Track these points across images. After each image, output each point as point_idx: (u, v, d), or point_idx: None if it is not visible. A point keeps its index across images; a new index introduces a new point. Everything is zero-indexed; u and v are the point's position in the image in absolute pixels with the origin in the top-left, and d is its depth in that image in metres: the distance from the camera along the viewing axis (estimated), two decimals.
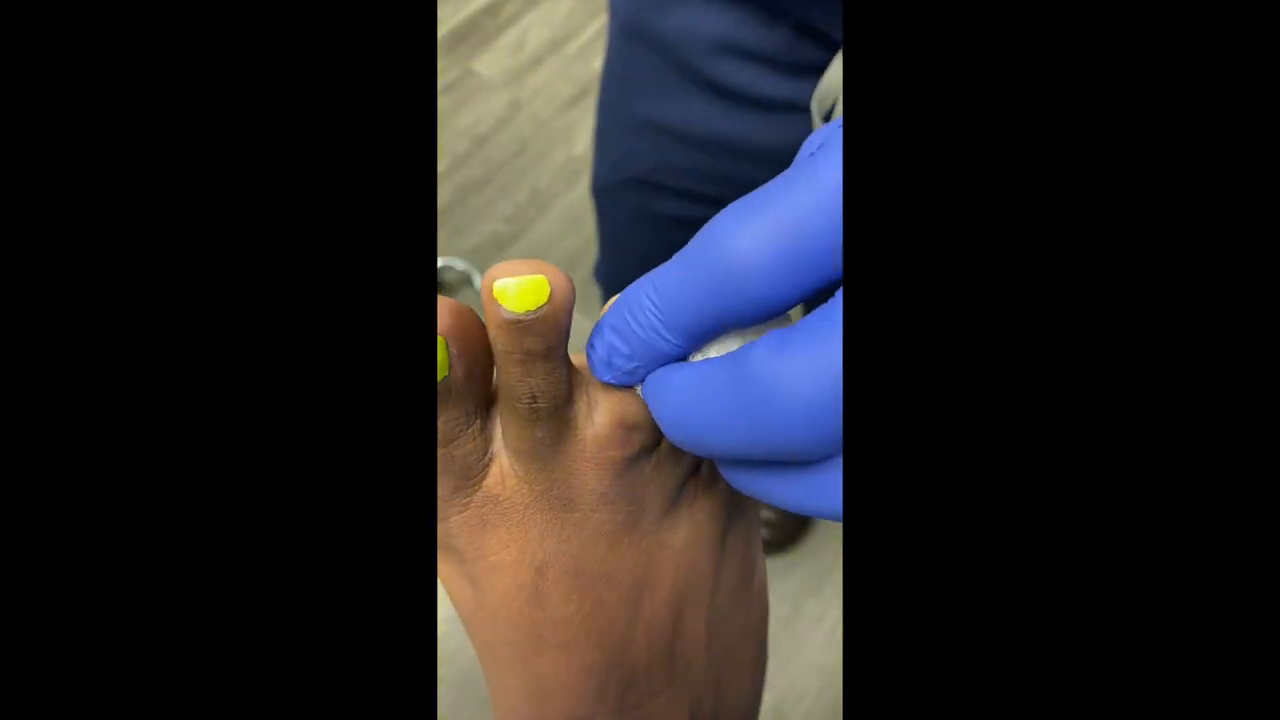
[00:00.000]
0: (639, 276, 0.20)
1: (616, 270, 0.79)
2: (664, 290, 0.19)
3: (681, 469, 0.23)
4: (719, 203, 0.64)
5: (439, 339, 0.20)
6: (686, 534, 0.24)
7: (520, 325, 0.20)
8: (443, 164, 1.51)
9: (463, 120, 1.47)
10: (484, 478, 0.22)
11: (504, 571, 0.23)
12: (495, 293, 0.19)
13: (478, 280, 1.34)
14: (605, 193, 0.66)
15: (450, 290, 1.36)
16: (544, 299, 0.19)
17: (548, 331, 0.20)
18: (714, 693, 0.26)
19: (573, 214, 1.44)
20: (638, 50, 0.56)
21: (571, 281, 0.20)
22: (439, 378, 0.20)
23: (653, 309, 0.19)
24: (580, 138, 1.50)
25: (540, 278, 0.19)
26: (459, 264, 1.36)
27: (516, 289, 0.19)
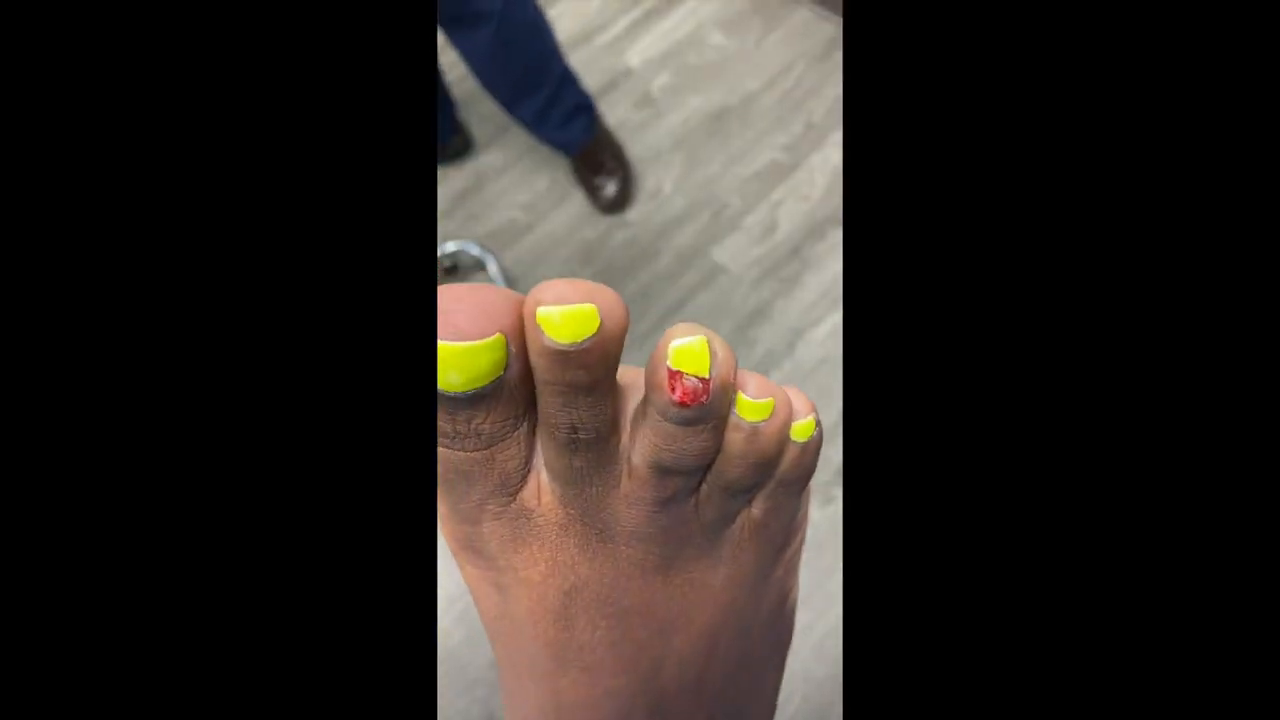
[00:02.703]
0: None
1: None
2: None
3: (729, 509, 0.22)
4: None
5: (498, 336, 0.18)
6: (727, 574, 0.23)
7: (565, 356, 0.18)
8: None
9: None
10: (521, 489, 0.21)
11: (532, 588, 0.21)
12: (539, 319, 0.17)
13: (491, 265, 1.34)
14: None
15: (463, 274, 1.36)
16: (593, 329, 0.17)
17: (594, 365, 0.18)
18: (737, 716, 0.26)
19: (591, 206, 1.44)
20: None
21: (625, 308, 0.18)
22: (495, 376, 0.18)
23: None
24: None
25: (590, 307, 0.17)
26: (473, 249, 1.36)
27: (562, 317, 0.17)
